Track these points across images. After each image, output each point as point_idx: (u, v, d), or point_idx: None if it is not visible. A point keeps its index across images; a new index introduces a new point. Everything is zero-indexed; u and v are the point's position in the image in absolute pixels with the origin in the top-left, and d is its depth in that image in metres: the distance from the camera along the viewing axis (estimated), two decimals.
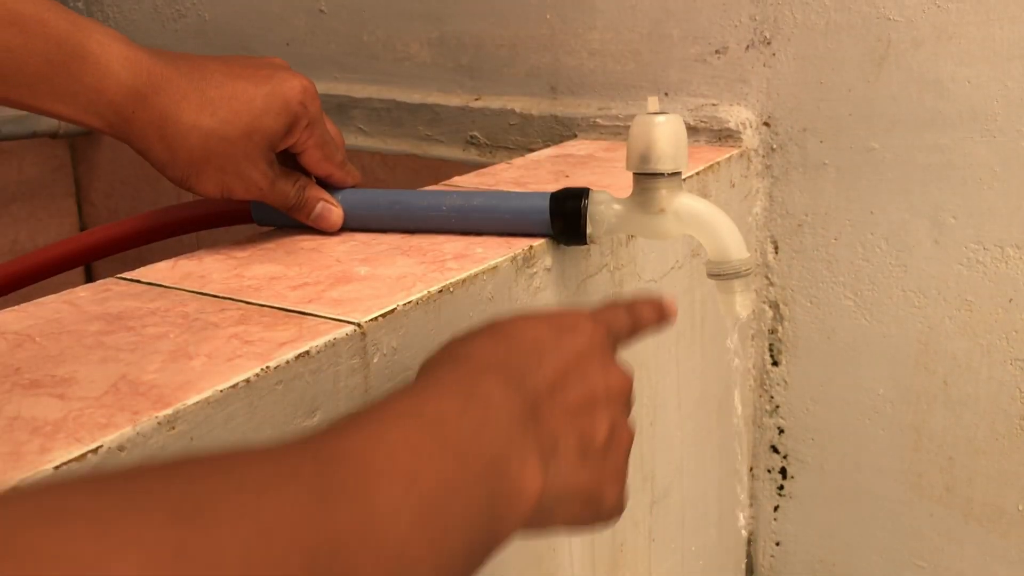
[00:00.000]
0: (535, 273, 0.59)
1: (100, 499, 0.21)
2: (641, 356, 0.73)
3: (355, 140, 1.14)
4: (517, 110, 1.01)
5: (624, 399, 0.44)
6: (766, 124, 0.89)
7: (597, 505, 0.41)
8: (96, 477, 0.23)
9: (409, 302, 0.48)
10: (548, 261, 0.60)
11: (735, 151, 0.88)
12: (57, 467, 0.33)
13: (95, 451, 0.34)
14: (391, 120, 1.12)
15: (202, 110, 0.53)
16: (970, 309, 0.84)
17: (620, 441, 0.43)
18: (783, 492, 0.99)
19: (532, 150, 0.97)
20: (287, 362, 0.41)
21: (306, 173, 0.61)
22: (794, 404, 0.96)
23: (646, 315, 0.49)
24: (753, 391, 0.97)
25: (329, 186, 0.62)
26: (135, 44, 0.52)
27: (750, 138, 0.89)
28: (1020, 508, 0.86)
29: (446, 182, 0.75)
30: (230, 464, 0.25)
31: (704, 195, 0.81)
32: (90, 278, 1.37)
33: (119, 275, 0.54)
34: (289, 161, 0.60)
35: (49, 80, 0.49)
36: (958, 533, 0.90)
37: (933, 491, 0.90)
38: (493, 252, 0.56)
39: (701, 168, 0.80)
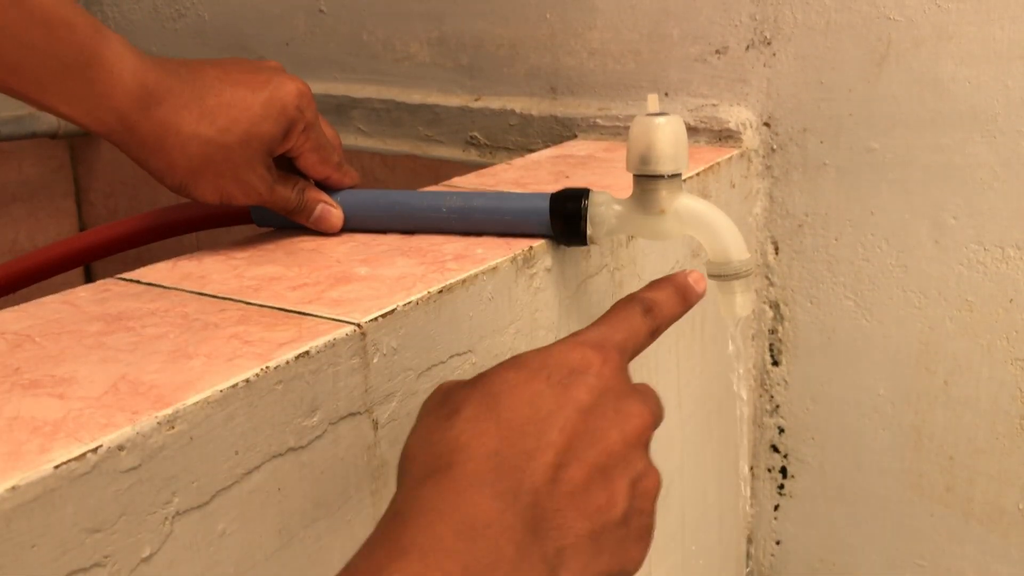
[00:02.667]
0: (535, 273, 0.58)
1: None
2: (641, 356, 0.73)
3: (355, 140, 1.14)
4: (517, 110, 1.01)
5: (645, 438, 0.39)
6: (766, 124, 0.89)
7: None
8: None
9: (409, 302, 0.48)
10: (548, 261, 0.60)
11: (735, 151, 0.88)
12: (57, 467, 0.33)
13: (95, 451, 0.34)
14: (391, 120, 1.12)
15: (201, 119, 0.53)
16: (971, 309, 0.84)
17: (644, 493, 0.38)
18: (783, 491, 0.99)
19: (532, 150, 0.97)
20: (287, 362, 0.41)
21: (304, 177, 0.61)
22: (794, 404, 0.96)
23: (667, 309, 0.45)
24: (753, 391, 0.97)
25: (327, 188, 0.62)
26: (142, 52, 0.53)
27: (750, 138, 0.89)
28: (1021, 508, 0.86)
29: (446, 183, 0.75)
30: None
31: (704, 196, 0.81)
32: (90, 278, 1.37)
33: (119, 275, 0.54)
34: (286, 165, 0.60)
35: (62, 81, 0.49)
36: (958, 533, 0.90)
37: (934, 491, 0.90)
38: (493, 252, 0.56)
39: (701, 169, 0.80)
